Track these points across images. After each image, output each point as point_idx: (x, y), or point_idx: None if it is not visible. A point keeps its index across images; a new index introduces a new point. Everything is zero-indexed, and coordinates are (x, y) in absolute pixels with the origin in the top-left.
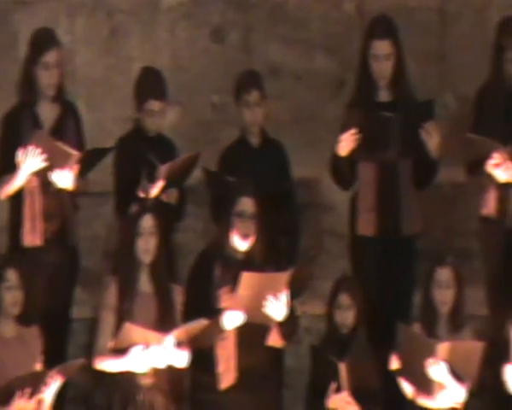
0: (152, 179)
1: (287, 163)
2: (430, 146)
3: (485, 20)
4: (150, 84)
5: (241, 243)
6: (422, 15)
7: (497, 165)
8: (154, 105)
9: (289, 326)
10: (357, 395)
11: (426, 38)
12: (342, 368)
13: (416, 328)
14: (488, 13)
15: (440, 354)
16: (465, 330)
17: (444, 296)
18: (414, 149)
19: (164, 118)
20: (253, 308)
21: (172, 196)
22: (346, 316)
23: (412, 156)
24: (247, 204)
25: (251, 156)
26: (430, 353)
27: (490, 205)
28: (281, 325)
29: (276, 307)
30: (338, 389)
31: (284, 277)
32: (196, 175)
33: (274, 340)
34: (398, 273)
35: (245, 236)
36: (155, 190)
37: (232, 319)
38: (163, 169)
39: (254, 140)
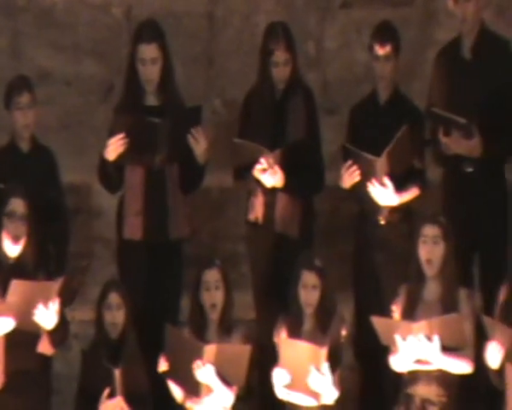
0: None
1: (56, 169)
2: (197, 151)
3: (252, 25)
4: None
5: (11, 246)
6: (190, 20)
7: (263, 170)
8: None
9: (59, 334)
10: (129, 399)
11: (194, 43)
12: (117, 374)
13: (186, 332)
14: (256, 18)
15: (207, 356)
16: (234, 334)
17: (211, 298)
18: (181, 154)
19: None
20: (23, 316)
21: None
22: (116, 316)
23: (179, 161)
24: (17, 205)
25: (20, 162)
26: (197, 355)
27: (257, 210)
28: (51, 332)
29: (46, 316)
30: (111, 395)
31: (55, 286)
32: None
33: (44, 347)
34: (165, 277)
35: (15, 237)
36: None
37: (0, 326)
38: None
39: (24, 145)
